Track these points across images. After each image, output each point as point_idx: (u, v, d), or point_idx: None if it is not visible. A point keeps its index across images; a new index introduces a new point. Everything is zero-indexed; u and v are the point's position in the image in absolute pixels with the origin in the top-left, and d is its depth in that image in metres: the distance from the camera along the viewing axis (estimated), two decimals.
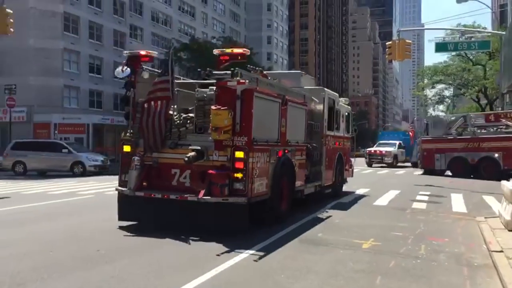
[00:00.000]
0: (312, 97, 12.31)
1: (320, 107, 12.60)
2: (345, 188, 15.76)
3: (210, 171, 7.93)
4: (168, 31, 58.29)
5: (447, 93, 45.86)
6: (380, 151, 35.29)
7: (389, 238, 8.48)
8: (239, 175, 7.97)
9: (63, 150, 25.65)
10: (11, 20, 17.28)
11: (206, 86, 8.92)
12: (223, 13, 74.18)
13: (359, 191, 16.22)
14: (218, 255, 6.87)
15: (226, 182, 7.90)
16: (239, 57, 8.74)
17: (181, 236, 7.88)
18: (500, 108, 32.53)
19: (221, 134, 7.83)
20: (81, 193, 15.33)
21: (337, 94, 14.66)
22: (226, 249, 7.23)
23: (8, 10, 17.18)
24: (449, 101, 45.65)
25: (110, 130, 42.24)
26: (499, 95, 32.15)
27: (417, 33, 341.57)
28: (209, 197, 7.83)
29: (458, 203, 13.66)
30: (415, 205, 12.95)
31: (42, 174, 25.66)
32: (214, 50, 9.03)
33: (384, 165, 35.01)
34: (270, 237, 8.18)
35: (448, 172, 25.01)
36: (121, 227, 8.77)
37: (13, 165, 26.03)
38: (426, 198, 14.66)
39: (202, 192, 7.88)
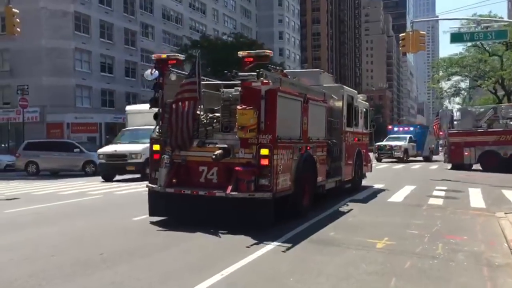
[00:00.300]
0: (332, 95, 12.58)
1: (339, 104, 12.90)
2: (363, 183, 15.78)
3: (237, 168, 8.27)
4: (179, 28, 58.24)
5: (463, 85, 44.93)
6: (390, 145, 34.13)
7: (405, 236, 8.11)
8: (264, 171, 8.32)
9: (75, 150, 25.61)
10: (18, 20, 17.17)
11: (230, 86, 9.31)
12: (233, 9, 73.87)
13: (376, 186, 16.00)
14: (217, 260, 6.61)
15: (252, 179, 8.22)
16: (263, 59, 9.06)
17: (211, 230, 8.16)
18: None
19: (247, 132, 8.17)
20: (91, 193, 15.19)
21: (355, 91, 14.95)
22: (230, 251, 6.97)
23: (15, 10, 17.07)
24: (465, 93, 44.67)
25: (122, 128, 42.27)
26: None
27: (432, 25, 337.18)
28: (236, 193, 8.16)
29: (476, 198, 13.20)
30: (432, 201, 12.52)
31: (55, 174, 25.69)
32: (239, 52, 9.28)
33: (394, 159, 34.05)
34: (282, 236, 7.90)
35: (477, 166, 24.12)
36: (152, 223, 9.15)
37: (25, 165, 26.13)
38: (443, 193, 14.20)
39: (230, 187, 8.19)
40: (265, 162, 8.32)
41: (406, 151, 34.14)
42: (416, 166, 30.21)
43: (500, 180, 19.37)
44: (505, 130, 22.82)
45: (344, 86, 13.85)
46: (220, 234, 8.03)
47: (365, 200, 12.74)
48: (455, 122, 25.62)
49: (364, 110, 15.62)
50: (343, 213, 10.56)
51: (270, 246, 7.27)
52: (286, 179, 8.92)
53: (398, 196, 13.46)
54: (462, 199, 12.98)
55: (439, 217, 10.08)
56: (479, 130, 23.81)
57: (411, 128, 39.51)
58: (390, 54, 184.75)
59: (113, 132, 42.98)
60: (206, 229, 8.20)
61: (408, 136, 35.69)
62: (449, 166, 26.07)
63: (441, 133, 26.85)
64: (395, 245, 7.47)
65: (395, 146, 33.77)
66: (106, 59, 45.31)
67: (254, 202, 8.29)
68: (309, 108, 10.09)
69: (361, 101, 15.27)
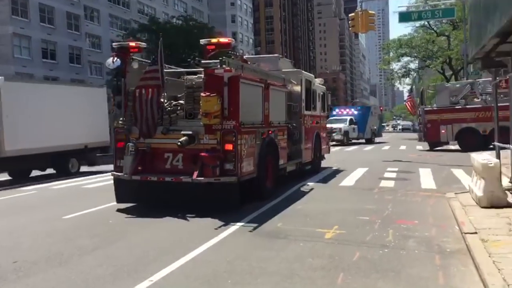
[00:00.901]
0: (291, 79, 12.84)
1: (298, 88, 13.18)
2: (322, 164, 16.05)
3: (202, 154, 8.46)
4: (127, 12, 55.92)
5: (412, 66, 45.69)
6: (329, 128, 32.68)
7: (355, 224, 7.72)
8: (229, 156, 8.58)
9: None
10: None
11: (193, 74, 9.54)
12: None
13: (334, 168, 16.07)
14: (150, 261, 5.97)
15: (217, 164, 8.48)
16: (225, 46, 9.49)
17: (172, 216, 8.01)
18: (465, 78, 32.41)
19: (211, 119, 8.39)
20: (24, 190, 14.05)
21: (313, 76, 15.40)
22: (166, 253, 6.33)
23: None
24: (415, 74, 45.44)
25: None
26: (464, 65, 31.97)
27: (382, 8, 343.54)
28: (202, 178, 8.39)
29: (426, 178, 13.11)
30: (383, 183, 12.30)
31: None
32: (201, 40, 9.62)
33: (334, 143, 32.22)
34: (226, 229, 7.34)
35: (452, 147, 24.07)
36: (119, 210, 9.27)
37: None
38: (394, 175, 14.07)
39: (196, 173, 8.40)
40: (229, 147, 8.57)
41: (346, 133, 32.75)
42: (369, 147, 30.40)
43: (450, 159, 19.61)
44: (484, 107, 21.58)
45: (302, 71, 14.05)
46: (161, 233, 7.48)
47: (320, 184, 12.47)
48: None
49: (322, 93, 15.92)
50: (296, 199, 10.15)
51: (210, 242, 6.68)
52: (250, 163, 9.20)
53: (351, 180, 13.18)
54: (413, 180, 12.84)
55: (390, 200, 9.81)
56: (456, 107, 22.98)
57: (352, 110, 37.92)
58: (342, 37, 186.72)
59: None
60: (170, 215, 8.38)
61: (348, 118, 34.16)
62: (421, 146, 25.79)
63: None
64: (344, 234, 7.05)
65: (335, 128, 31.28)
66: (48, 45, 42.81)
67: (220, 187, 8.53)
68: (270, 93, 10.33)
69: (318, 85, 15.52)
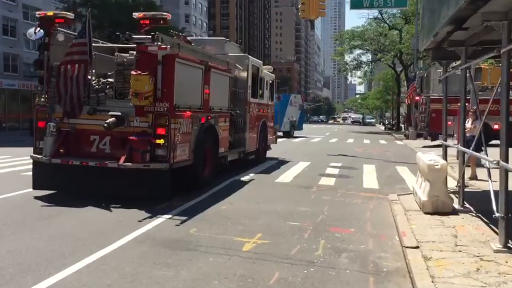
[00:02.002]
0: (236, 64, 12.25)
1: (244, 74, 12.57)
2: (268, 154, 15.61)
3: (131, 137, 7.83)
4: None
5: (364, 58, 45.50)
6: None
7: (282, 231, 6.58)
8: (160, 141, 7.95)
9: None
10: None
11: (126, 50, 8.83)
12: None
13: (280, 159, 15.33)
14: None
15: (148, 149, 7.88)
16: (161, 22, 8.51)
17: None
18: (414, 74, 32.27)
19: (142, 99, 7.76)
20: None
21: (261, 62, 14.73)
22: (62, 256, 4.94)
23: None
24: (366, 66, 45.32)
25: None
26: (414, 60, 31.82)
27: (339, 1, 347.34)
28: (130, 164, 7.76)
29: (370, 177, 12.25)
30: (323, 180, 11.30)
31: None
32: (134, 14, 8.66)
33: None
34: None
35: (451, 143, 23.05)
36: (36, 197, 8.37)
37: None
38: (336, 171, 13.14)
39: (123, 158, 7.77)
40: (161, 131, 7.96)
41: None
42: (316, 139, 29.72)
43: (396, 154, 19.06)
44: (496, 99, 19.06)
45: (250, 56, 13.34)
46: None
47: (259, 175, 11.58)
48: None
49: (270, 81, 15.39)
50: (226, 194, 9.03)
51: (113, 246, 5.35)
52: (185, 149, 8.63)
53: (289, 174, 12.11)
54: (355, 178, 11.94)
55: (327, 202, 8.77)
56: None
57: None
58: (299, 27, 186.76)
59: None
60: (93, 204, 7.74)
61: None
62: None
63: (417, 98, 23.49)
64: (267, 245, 5.89)
65: None
66: None
67: (150, 174, 7.91)
68: (211, 76, 9.82)
69: (267, 72, 14.99)
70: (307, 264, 5.24)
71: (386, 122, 61.23)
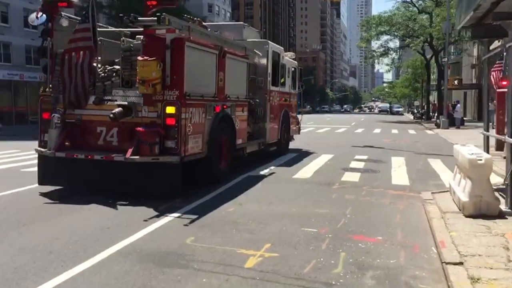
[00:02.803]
0: (255, 51, 11.47)
1: (263, 61, 11.90)
2: (291, 145, 14.87)
3: (138, 129, 7.34)
4: None
5: (392, 45, 43.61)
6: None
7: (295, 240, 5.55)
8: (170, 132, 7.42)
9: None
10: None
11: (133, 36, 8.33)
12: None
13: (303, 150, 14.44)
14: None
15: (157, 140, 7.34)
16: (167, 1, 8.13)
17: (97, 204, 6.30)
18: (446, 59, 30.52)
19: (149, 87, 7.23)
20: None
21: (282, 48, 13.85)
22: (49, 264, 4.09)
23: None
24: (393, 53, 43.39)
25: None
26: (445, 45, 30.01)
27: None
28: (137, 157, 7.23)
29: (399, 171, 11.05)
30: (346, 176, 10.17)
31: None
32: None
33: None
34: (106, 249, 5.07)
35: None
36: (42, 194, 7.95)
37: None
38: (361, 164, 11.97)
39: (130, 151, 7.25)
40: (171, 121, 7.41)
41: None
42: (342, 129, 28.41)
43: (427, 145, 17.70)
44: None
45: (270, 42, 12.57)
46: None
47: (280, 168, 10.71)
48: None
49: (293, 69, 14.62)
50: (236, 193, 8.07)
51: (97, 258, 4.44)
52: (198, 141, 8.07)
53: (308, 170, 11.00)
54: (382, 172, 10.75)
55: (350, 202, 7.68)
56: None
57: None
58: (324, 15, 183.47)
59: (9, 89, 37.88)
60: (99, 201, 7.23)
61: None
62: (396, 130, 23.78)
63: (504, 82, 20.52)
64: (275, 259, 4.87)
65: None
66: None
67: (159, 167, 7.36)
68: (227, 63, 9.20)
69: (289, 59, 14.22)
70: (323, 286, 4.20)
71: (415, 111, 59.01)
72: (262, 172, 10.50)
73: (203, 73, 8.40)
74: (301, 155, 13.72)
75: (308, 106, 77.42)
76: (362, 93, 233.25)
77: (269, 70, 12.08)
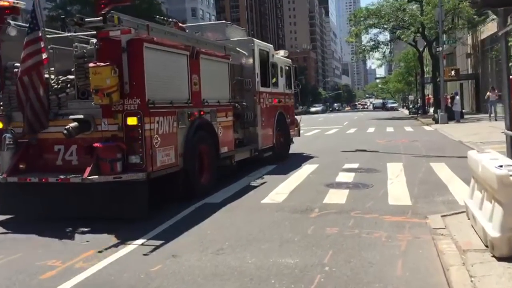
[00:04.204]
0: (240, 50, 10.76)
1: (250, 61, 11.21)
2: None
3: (96, 145, 6.62)
4: None
5: (382, 38, 41.48)
6: None
7: None
8: (134, 146, 6.68)
9: None
10: None
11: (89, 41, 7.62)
12: None
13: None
14: None
15: (118, 156, 6.60)
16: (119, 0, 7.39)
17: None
18: (440, 49, 28.48)
19: (104, 97, 6.48)
20: None
21: (271, 46, 12.99)
22: None
23: None
24: (384, 47, 41.28)
25: None
26: (439, 34, 27.94)
27: None
28: (96, 176, 6.45)
29: (396, 183, 8.89)
30: (330, 196, 7.97)
31: None
32: None
33: None
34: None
35: None
36: None
37: None
38: (350, 177, 9.79)
39: (88, 170, 6.46)
40: (134, 134, 6.73)
41: None
42: (333, 130, 26.27)
43: (427, 145, 15.57)
44: None
45: (255, 40, 11.82)
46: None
47: (242, 193, 8.20)
48: None
49: (286, 67, 13.80)
50: (172, 237, 5.84)
51: None
52: (170, 153, 7.39)
53: (283, 189, 8.82)
54: (376, 187, 8.58)
55: (332, 241, 5.50)
56: None
57: None
58: (312, 14, 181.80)
59: None
60: (56, 228, 6.45)
61: None
62: (392, 128, 21.93)
63: None
64: None
65: None
66: None
67: (124, 187, 6.61)
68: (202, 64, 8.50)
69: (280, 57, 13.39)
70: None
71: (411, 106, 56.94)
72: (222, 196, 8.35)
73: (171, 77, 7.62)
74: (280, 167, 11.59)
75: (301, 107, 75.50)
76: (355, 90, 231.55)
77: (257, 70, 11.28)
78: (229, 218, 6.79)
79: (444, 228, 5.79)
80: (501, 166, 4.78)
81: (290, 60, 14.46)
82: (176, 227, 6.39)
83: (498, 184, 4.58)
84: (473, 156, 5.88)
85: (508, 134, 6.45)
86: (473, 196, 5.87)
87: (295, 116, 14.83)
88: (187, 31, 9.67)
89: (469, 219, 5.99)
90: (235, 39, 11.40)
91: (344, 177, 9.80)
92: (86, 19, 6.85)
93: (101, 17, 6.52)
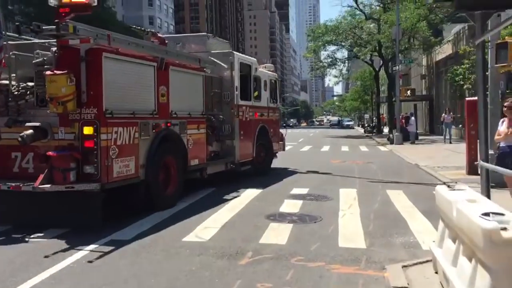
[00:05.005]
0: (219, 62, 10.90)
1: (229, 73, 11.22)
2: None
3: (50, 153, 6.55)
4: None
5: (339, 55, 41.08)
6: None
7: None
8: (88, 156, 6.60)
9: None
10: None
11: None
12: None
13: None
14: None
15: (71, 166, 6.50)
16: (81, 8, 6.94)
17: None
18: (397, 68, 28.07)
19: (58, 105, 6.43)
20: None
21: (254, 59, 13.07)
22: None
23: None
24: (341, 64, 40.89)
25: None
26: (396, 52, 27.45)
27: (314, 4, 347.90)
28: (48, 185, 6.34)
29: (349, 215, 7.59)
30: (269, 234, 6.48)
31: None
32: (50, 1, 6.88)
33: None
34: None
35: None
36: None
37: None
38: (297, 206, 8.41)
39: (40, 179, 6.34)
40: (89, 144, 6.57)
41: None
42: (306, 148, 25.06)
43: (382, 167, 14.55)
44: None
45: (235, 53, 11.78)
46: None
47: (164, 227, 6.56)
48: None
49: (270, 81, 13.69)
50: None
51: None
52: (129, 164, 7.21)
53: (215, 221, 7.30)
54: (326, 221, 7.22)
55: None
56: None
57: None
58: (273, 30, 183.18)
59: None
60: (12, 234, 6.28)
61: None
62: (347, 147, 21.00)
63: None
64: None
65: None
66: None
67: (77, 197, 6.51)
68: (172, 76, 8.47)
69: (265, 71, 13.47)
70: None
71: (366, 125, 56.98)
72: (138, 229, 6.79)
73: (135, 87, 7.52)
74: (220, 190, 10.13)
75: None
76: (313, 107, 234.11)
77: (236, 83, 11.25)
78: (132, 266, 5.19)
79: (406, 287, 4.49)
80: (486, 214, 3.52)
81: (276, 74, 14.52)
82: (60, 280, 4.77)
83: (485, 242, 3.30)
84: (443, 193, 4.63)
85: (483, 167, 5.27)
86: (443, 245, 4.61)
87: (281, 130, 14.89)
88: (166, 42, 9.91)
89: (436, 272, 4.75)
90: (216, 51, 11.31)
91: (290, 206, 8.43)
92: (43, 27, 6.78)
93: (55, 26, 6.48)
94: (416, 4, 31.18)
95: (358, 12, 37.29)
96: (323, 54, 40.81)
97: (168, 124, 8.30)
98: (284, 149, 15.30)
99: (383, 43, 32.79)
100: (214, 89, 10.68)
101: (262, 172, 12.62)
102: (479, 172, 9.44)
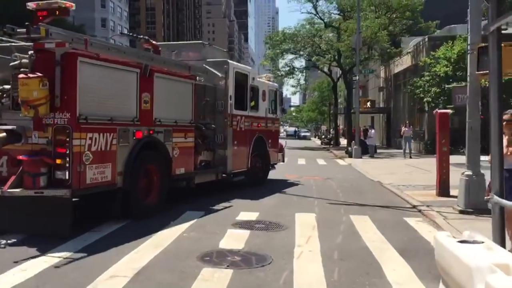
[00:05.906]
0: (213, 71, 10.62)
1: (223, 82, 10.94)
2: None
3: (21, 157, 6.47)
4: None
5: (297, 64, 39.91)
6: None
7: None
8: (60, 161, 6.48)
9: None
10: None
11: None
12: None
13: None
14: None
15: (41, 171, 6.41)
16: (57, 12, 6.92)
17: None
18: (357, 78, 27.10)
19: (29, 109, 6.33)
20: None
21: (251, 68, 13.16)
22: None
23: None
24: (299, 74, 39.75)
25: None
26: (356, 61, 26.46)
27: (272, 16, 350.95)
28: (18, 190, 6.28)
29: (307, 255, 5.92)
30: (199, 285, 4.81)
31: None
32: (28, 4, 7.11)
33: None
34: None
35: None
36: None
37: None
38: (243, 238, 6.65)
39: (9, 183, 6.30)
40: (61, 149, 6.46)
41: None
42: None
43: (343, 185, 13.09)
44: None
45: (231, 62, 11.66)
46: None
47: (76, 259, 4.76)
48: None
49: (269, 91, 13.46)
50: None
51: None
52: (105, 171, 7.07)
53: (130, 264, 5.45)
54: (276, 264, 5.49)
55: None
56: None
57: None
58: (232, 39, 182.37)
59: None
60: None
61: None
62: (303, 160, 19.47)
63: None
64: None
65: None
66: None
67: (47, 202, 6.40)
68: (157, 83, 8.28)
69: (264, 81, 13.45)
70: None
71: (323, 136, 56.19)
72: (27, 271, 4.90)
73: (114, 93, 7.31)
74: (151, 220, 8.25)
75: None
76: None
77: (230, 92, 11.05)
78: None
79: None
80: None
81: (276, 85, 14.34)
82: None
83: None
84: (451, 249, 3.07)
85: (498, 203, 3.77)
86: None
87: (280, 141, 14.55)
88: (159, 49, 9.94)
89: None
90: (212, 59, 11.08)
91: (233, 238, 6.68)
92: (17, 30, 6.79)
93: (25, 29, 6.47)
94: (376, 13, 30.52)
95: (317, 20, 36.36)
96: (281, 62, 39.55)
97: (151, 132, 8.12)
98: (283, 161, 15.16)
99: (343, 53, 31.86)
100: (206, 97, 10.62)
101: (255, 184, 12.30)
102: (480, 205, 8.00)
